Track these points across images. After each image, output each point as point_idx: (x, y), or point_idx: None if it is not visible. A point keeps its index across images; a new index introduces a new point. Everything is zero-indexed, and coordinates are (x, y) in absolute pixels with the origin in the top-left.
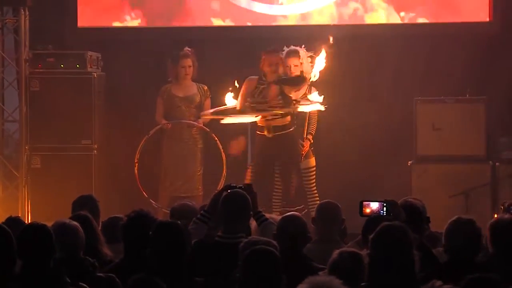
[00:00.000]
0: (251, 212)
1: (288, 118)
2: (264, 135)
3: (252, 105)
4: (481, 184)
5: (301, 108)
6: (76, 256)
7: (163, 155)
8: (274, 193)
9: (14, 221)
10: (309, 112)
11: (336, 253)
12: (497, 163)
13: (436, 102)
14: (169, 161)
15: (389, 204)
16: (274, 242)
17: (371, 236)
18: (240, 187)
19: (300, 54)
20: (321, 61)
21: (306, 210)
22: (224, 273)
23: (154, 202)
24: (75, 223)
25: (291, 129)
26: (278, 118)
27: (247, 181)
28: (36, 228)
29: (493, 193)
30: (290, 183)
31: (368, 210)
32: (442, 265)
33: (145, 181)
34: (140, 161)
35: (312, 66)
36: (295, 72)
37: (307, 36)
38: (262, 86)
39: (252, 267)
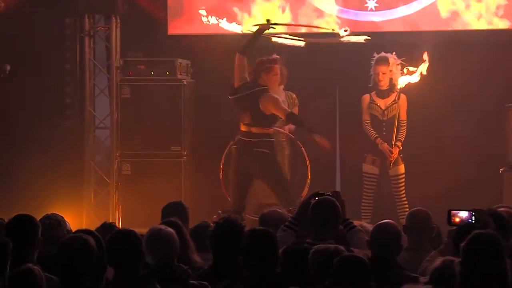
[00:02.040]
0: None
1: None
2: None
3: None
4: None
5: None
6: (170, 263)
7: None
8: (363, 201)
9: (109, 227)
10: (399, 119)
11: (439, 261)
12: None
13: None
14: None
15: (478, 213)
16: (341, 247)
17: (462, 244)
18: (328, 194)
19: (390, 62)
20: (417, 74)
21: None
22: (316, 280)
23: None
24: (170, 229)
25: None
26: None
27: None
28: (124, 234)
29: None
30: None
31: (457, 219)
32: None
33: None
34: (226, 169)
35: (402, 73)
36: (383, 80)
37: (398, 42)
38: None
39: (342, 275)
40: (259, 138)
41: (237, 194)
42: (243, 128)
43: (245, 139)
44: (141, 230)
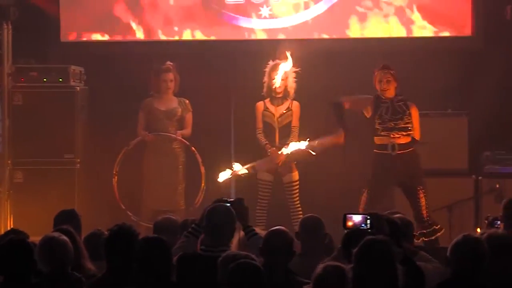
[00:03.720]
0: (235, 226)
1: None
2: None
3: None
4: (464, 198)
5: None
6: (64, 271)
7: (144, 169)
8: (258, 208)
9: (16, 233)
10: (292, 125)
11: (320, 267)
12: (479, 177)
13: (421, 116)
14: (151, 175)
15: (373, 217)
16: (253, 256)
17: (354, 250)
18: (231, 201)
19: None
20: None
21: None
22: (206, 286)
23: (132, 215)
24: (64, 237)
25: (412, 148)
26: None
27: (361, 207)
28: (14, 242)
29: (476, 207)
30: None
31: (350, 223)
32: (445, 281)
33: (126, 194)
34: (120, 174)
35: (295, 81)
36: (280, 85)
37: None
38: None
39: (236, 280)
40: None
41: None
42: None
43: None
44: (34, 238)
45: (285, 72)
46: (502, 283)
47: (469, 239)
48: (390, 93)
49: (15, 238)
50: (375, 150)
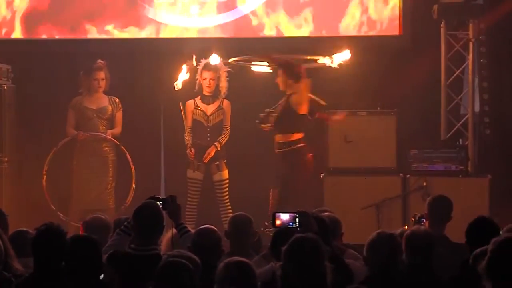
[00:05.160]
0: (164, 224)
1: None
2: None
3: None
4: (392, 196)
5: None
6: None
7: (74, 168)
8: (188, 206)
9: None
10: (223, 124)
11: (221, 265)
12: (407, 175)
13: (348, 114)
14: (80, 174)
15: (301, 216)
16: (195, 257)
17: (284, 248)
18: (163, 199)
19: (218, 68)
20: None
21: None
22: (137, 286)
23: (62, 215)
24: None
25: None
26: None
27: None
28: None
29: (403, 205)
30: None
31: (278, 222)
32: (366, 278)
33: (55, 194)
34: (49, 174)
35: (227, 80)
36: (211, 86)
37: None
38: None
39: (164, 279)
40: None
41: None
42: None
43: None
44: None
45: (218, 71)
46: (419, 281)
47: (383, 236)
48: None
49: None
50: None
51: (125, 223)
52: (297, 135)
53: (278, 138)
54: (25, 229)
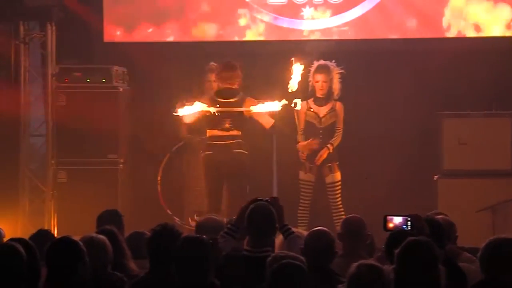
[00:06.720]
0: (277, 226)
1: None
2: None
3: None
4: (508, 198)
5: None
6: (104, 271)
7: (185, 171)
8: (300, 208)
9: (44, 235)
10: (336, 126)
11: (354, 266)
12: None
13: (462, 116)
14: (191, 177)
15: (413, 219)
16: (301, 257)
17: (396, 251)
18: (266, 200)
19: (331, 70)
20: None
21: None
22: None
23: (177, 219)
24: (102, 237)
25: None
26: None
27: None
28: (66, 243)
29: None
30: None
31: (391, 225)
32: (477, 283)
33: (169, 197)
34: (163, 179)
35: (341, 83)
36: (323, 88)
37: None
38: None
39: (279, 281)
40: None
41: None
42: (218, 133)
43: (220, 142)
44: (77, 238)
45: (331, 73)
46: None
47: (502, 241)
48: None
49: (67, 237)
50: None
51: (229, 226)
52: None
53: None
54: (141, 231)
